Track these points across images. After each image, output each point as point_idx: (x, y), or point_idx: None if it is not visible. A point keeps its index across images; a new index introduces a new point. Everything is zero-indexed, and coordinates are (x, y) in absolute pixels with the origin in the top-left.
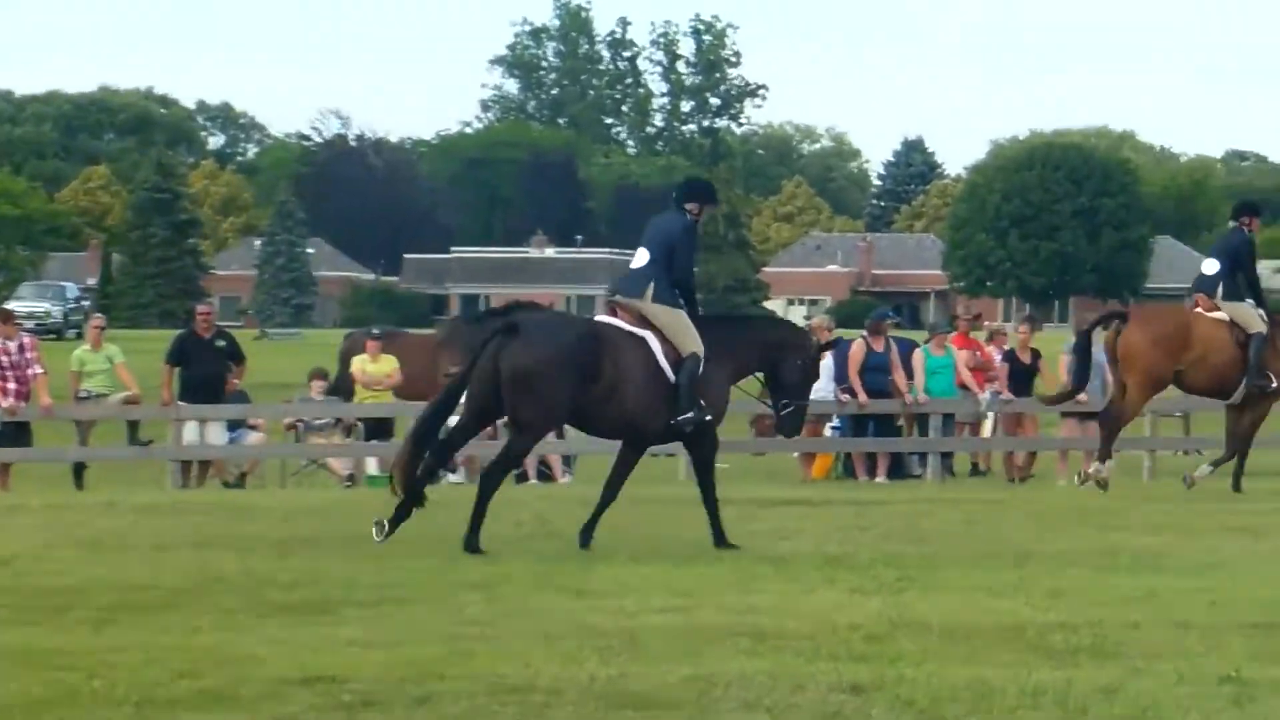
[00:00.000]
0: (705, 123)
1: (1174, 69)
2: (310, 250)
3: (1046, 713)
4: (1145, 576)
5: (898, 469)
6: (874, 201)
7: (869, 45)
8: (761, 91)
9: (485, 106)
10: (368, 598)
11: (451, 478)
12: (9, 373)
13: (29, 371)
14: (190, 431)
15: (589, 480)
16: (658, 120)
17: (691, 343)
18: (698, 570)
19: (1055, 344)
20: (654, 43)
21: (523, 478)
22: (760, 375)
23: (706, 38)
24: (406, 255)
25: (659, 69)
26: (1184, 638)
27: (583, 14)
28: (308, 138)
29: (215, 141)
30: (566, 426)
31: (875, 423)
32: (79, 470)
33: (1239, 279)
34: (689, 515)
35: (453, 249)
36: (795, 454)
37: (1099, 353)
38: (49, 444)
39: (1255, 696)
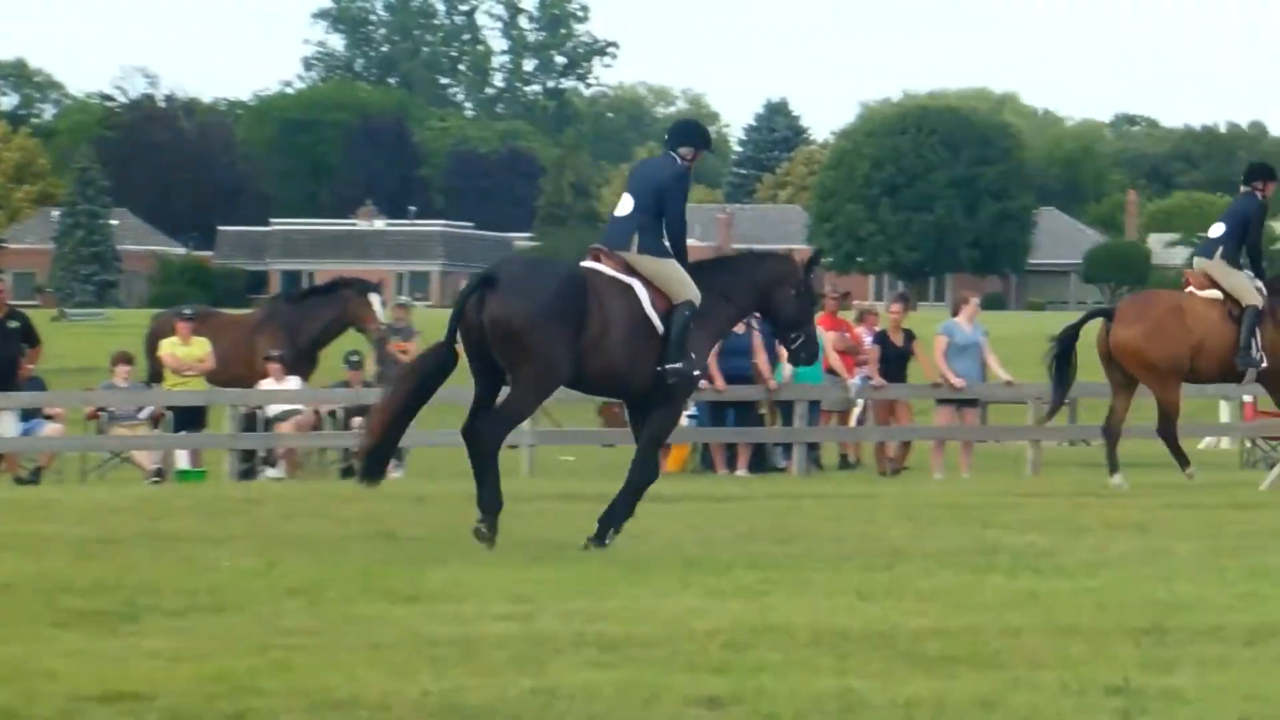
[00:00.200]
0: (550, 83)
1: (1059, 26)
2: (114, 222)
3: None
4: (1026, 578)
5: (760, 461)
6: (734, 169)
7: None
8: (611, 49)
9: (308, 65)
10: (175, 605)
11: (271, 472)
12: None
13: None
14: None
15: (420, 475)
16: (498, 80)
17: (687, 290)
18: (541, 573)
19: (930, 325)
20: None
21: (349, 472)
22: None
23: None
24: (221, 228)
25: (499, 24)
26: (1068, 644)
27: None
28: (110, 98)
29: (7, 102)
30: None
31: (735, 410)
32: None
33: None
34: (532, 513)
35: (272, 221)
36: None
37: (977, 335)
38: None
39: (1146, 708)
